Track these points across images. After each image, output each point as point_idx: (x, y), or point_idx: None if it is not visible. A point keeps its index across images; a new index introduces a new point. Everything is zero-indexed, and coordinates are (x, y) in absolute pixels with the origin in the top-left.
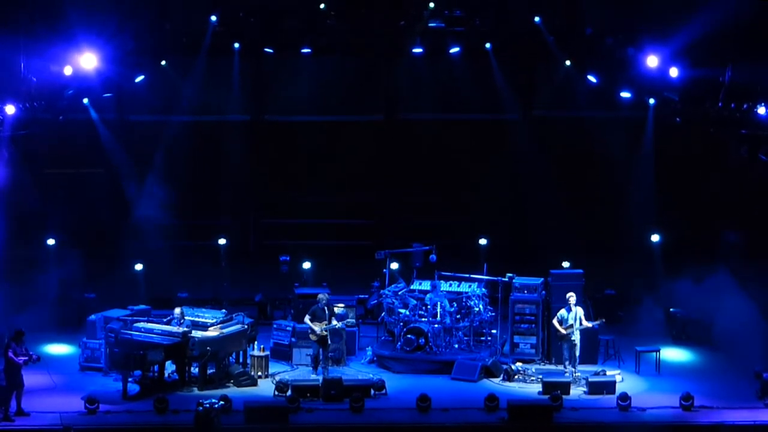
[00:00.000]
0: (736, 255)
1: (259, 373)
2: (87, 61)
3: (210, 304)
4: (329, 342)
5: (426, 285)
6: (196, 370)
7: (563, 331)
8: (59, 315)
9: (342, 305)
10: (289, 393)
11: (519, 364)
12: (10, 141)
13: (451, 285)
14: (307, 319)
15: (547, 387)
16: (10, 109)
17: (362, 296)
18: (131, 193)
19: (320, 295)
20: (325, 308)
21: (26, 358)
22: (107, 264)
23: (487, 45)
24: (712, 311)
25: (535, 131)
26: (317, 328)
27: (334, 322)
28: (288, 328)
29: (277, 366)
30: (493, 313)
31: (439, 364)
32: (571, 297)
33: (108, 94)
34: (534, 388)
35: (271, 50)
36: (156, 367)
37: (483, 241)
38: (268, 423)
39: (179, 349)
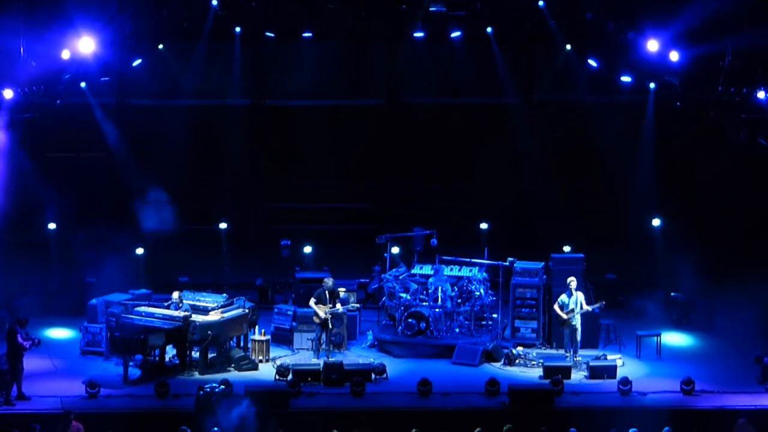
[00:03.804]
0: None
1: (260, 358)
2: (85, 45)
3: (211, 288)
4: (330, 326)
5: (427, 269)
6: (197, 354)
7: (564, 316)
8: (60, 299)
9: (343, 289)
10: (289, 377)
11: (520, 348)
12: (10, 125)
13: (452, 269)
14: (312, 302)
15: (548, 371)
16: (8, 94)
17: (363, 280)
18: (131, 179)
19: (326, 279)
20: (332, 292)
21: (30, 342)
22: (108, 248)
23: (489, 29)
24: (713, 295)
25: (536, 115)
26: (321, 311)
27: (338, 306)
28: (289, 313)
29: (277, 350)
30: (494, 298)
31: (440, 349)
32: (572, 281)
33: (105, 78)
34: (535, 373)
35: (272, 34)
36: (157, 352)
37: (484, 226)
38: (269, 407)
39: (180, 334)
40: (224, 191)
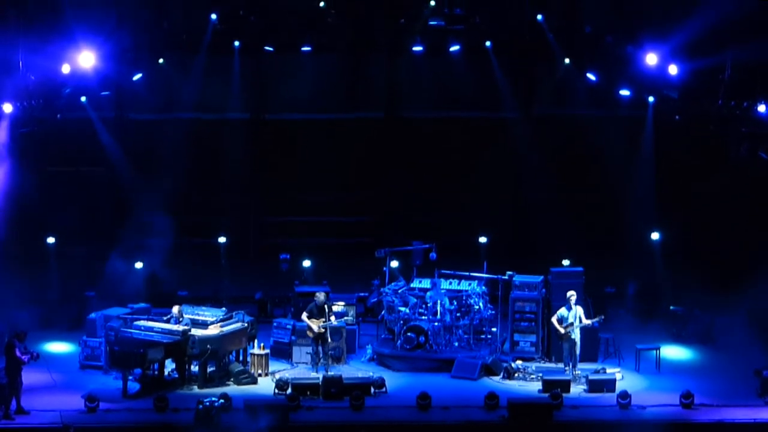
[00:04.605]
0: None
1: (259, 372)
2: (85, 59)
3: (210, 302)
4: (329, 339)
5: (426, 283)
6: (196, 368)
7: (562, 331)
8: (59, 313)
9: (342, 303)
10: (289, 391)
11: (519, 362)
12: (9, 139)
13: (451, 283)
14: (304, 316)
15: (547, 385)
16: (7, 108)
17: (362, 294)
18: (130, 193)
19: (318, 294)
20: (324, 306)
21: (29, 356)
22: (107, 262)
23: (487, 43)
24: (712, 309)
25: (535, 129)
26: (315, 325)
27: (332, 319)
28: (288, 326)
29: (277, 364)
30: (493, 311)
31: (439, 363)
32: (572, 296)
33: (106, 93)
34: (534, 386)
35: (271, 48)
36: (156, 366)
37: (483, 239)
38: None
39: (179, 348)
40: (223, 205)
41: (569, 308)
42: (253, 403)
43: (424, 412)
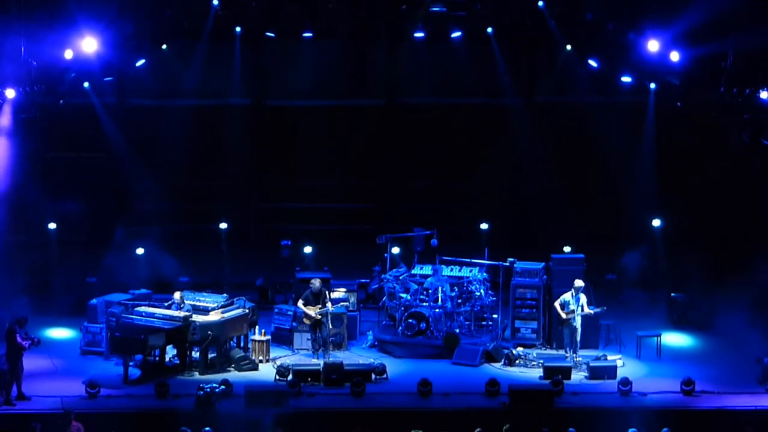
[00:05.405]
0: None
1: (260, 358)
2: (88, 45)
3: (211, 288)
4: (329, 325)
5: (427, 269)
6: (197, 354)
7: (564, 316)
8: (60, 299)
9: (343, 290)
10: (290, 377)
11: (520, 348)
12: (11, 125)
13: (452, 270)
14: (300, 303)
15: (548, 372)
16: (10, 93)
17: (363, 281)
18: (132, 179)
19: (313, 281)
20: (320, 293)
21: (30, 341)
22: (108, 248)
23: (489, 29)
24: (713, 296)
25: (536, 116)
26: (311, 312)
27: (329, 305)
28: (289, 313)
29: (278, 350)
30: (494, 298)
31: (440, 349)
32: (580, 286)
33: (109, 78)
34: (535, 373)
35: (272, 34)
36: (157, 352)
37: (484, 226)
38: (269, 407)
39: (180, 334)
40: (224, 191)
41: (577, 298)
42: (254, 390)
43: (425, 398)
